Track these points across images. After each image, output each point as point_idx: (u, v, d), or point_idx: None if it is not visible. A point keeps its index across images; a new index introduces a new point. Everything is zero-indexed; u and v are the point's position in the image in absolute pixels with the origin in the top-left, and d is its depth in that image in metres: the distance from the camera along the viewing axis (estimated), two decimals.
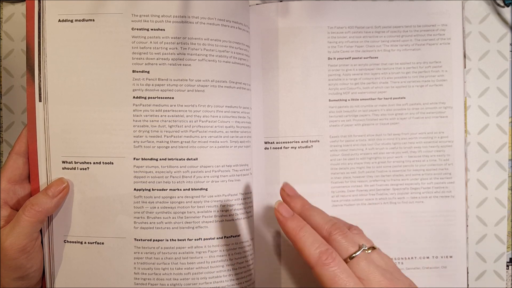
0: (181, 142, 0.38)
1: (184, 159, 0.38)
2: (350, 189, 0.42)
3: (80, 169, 0.38)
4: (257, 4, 0.42)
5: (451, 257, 0.42)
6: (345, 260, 0.32)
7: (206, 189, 0.38)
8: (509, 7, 0.44)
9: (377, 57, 0.42)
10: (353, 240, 0.33)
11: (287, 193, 0.39)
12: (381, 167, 0.42)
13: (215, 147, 0.39)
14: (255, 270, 0.41)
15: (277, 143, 0.42)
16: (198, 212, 0.38)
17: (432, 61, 0.42)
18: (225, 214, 0.39)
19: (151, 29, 0.39)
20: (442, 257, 0.42)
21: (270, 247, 0.42)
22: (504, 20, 0.44)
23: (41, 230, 0.38)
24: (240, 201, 0.40)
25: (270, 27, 0.42)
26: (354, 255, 0.32)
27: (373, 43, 0.42)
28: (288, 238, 0.34)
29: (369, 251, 0.33)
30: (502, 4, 0.44)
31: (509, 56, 0.44)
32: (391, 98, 0.42)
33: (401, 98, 0.42)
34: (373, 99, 0.42)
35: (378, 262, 0.33)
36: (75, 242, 0.39)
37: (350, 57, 0.42)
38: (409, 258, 0.42)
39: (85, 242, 0.38)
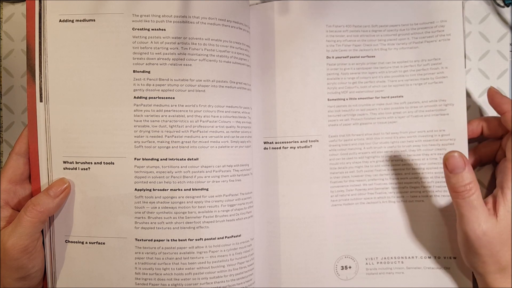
0: (182, 142, 0.38)
1: (185, 159, 0.38)
2: (349, 189, 0.42)
3: (81, 169, 0.38)
4: (256, 4, 0.42)
5: (455, 258, 0.41)
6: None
7: (207, 189, 0.39)
8: (509, 7, 0.44)
9: (374, 56, 0.42)
10: None
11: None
12: (379, 166, 0.42)
13: (216, 147, 0.39)
14: (255, 270, 0.41)
15: (276, 143, 0.42)
16: (199, 212, 0.38)
17: (431, 59, 0.42)
18: (226, 214, 0.39)
19: (152, 29, 0.38)
20: (445, 258, 0.41)
21: (270, 247, 0.42)
22: (504, 20, 0.44)
23: (42, 231, 0.38)
24: (240, 201, 0.40)
25: (269, 27, 0.42)
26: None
27: (370, 42, 0.42)
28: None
29: None
30: (502, 4, 0.44)
31: (509, 56, 0.44)
32: (388, 97, 0.42)
33: (399, 96, 0.42)
34: (371, 98, 0.42)
35: None
36: (77, 242, 0.39)
37: (348, 56, 0.42)
38: (409, 257, 0.42)
39: (86, 242, 0.39)
